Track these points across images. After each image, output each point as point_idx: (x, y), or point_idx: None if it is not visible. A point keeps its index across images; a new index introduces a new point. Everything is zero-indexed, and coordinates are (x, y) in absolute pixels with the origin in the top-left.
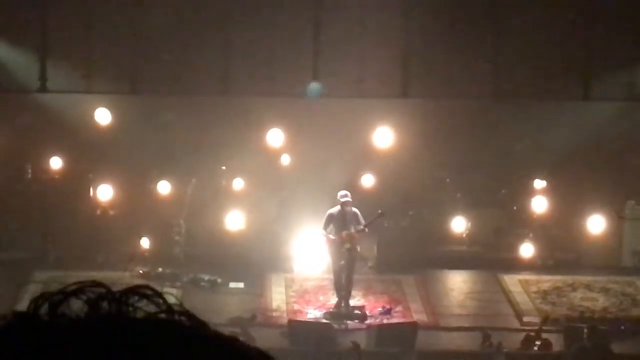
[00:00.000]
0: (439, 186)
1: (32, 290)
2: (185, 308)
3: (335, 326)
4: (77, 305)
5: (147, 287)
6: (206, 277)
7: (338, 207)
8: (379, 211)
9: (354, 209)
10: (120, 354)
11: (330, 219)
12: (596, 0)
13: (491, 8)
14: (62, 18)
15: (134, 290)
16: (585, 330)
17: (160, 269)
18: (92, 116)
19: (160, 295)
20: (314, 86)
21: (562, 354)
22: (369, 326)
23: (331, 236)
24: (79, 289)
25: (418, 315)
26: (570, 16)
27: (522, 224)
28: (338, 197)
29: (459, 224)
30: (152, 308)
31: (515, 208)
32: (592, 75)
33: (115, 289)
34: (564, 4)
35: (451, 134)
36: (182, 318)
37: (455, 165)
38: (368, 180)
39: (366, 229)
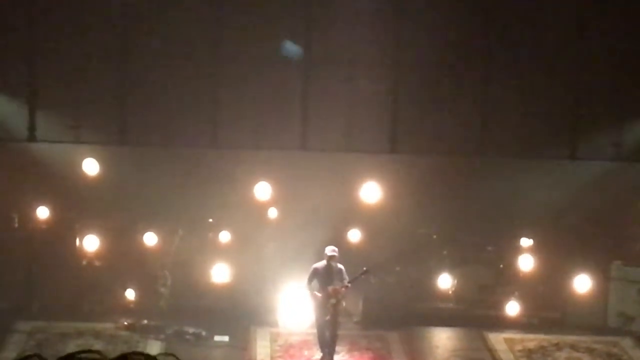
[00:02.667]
0: (426, 242)
1: (16, 340)
2: None
3: None
4: None
5: (140, 354)
6: (191, 330)
7: (324, 262)
8: (364, 268)
9: (340, 265)
10: None
11: (315, 273)
12: (584, 60)
13: (480, 65)
14: (51, 68)
15: (127, 358)
16: None
17: (144, 321)
18: (80, 166)
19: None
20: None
21: None
22: None
23: (316, 292)
24: (72, 356)
25: None
26: (558, 75)
27: (508, 281)
28: (325, 251)
29: (445, 281)
30: None
31: (501, 266)
32: (579, 134)
33: (100, 340)
34: (552, 64)
35: (438, 190)
36: None
37: (442, 221)
38: (355, 235)
39: (349, 285)
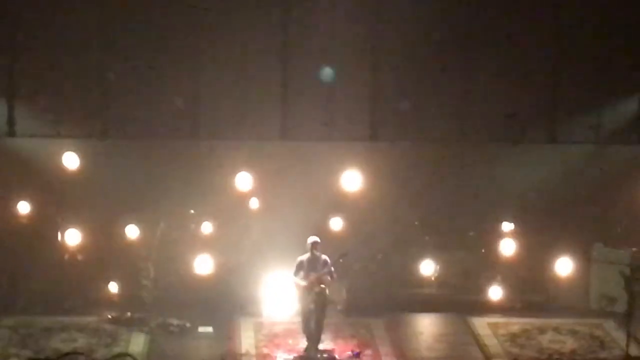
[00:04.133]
0: (408, 229)
1: (0, 335)
2: None
3: None
4: None
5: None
6: (175, 322)
7: (308, 254)
8: (344, 252)
9: (324, 256)
10: None
11: (301, 265)
12: (563, 44)
13: (460, 50)
14: (31, 62)
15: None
16: None
17: (128, 314)
18: (60, 160)
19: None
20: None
21: None
22: None
23: (301, 281)
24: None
25: (387, 358)
26: (537, 59)
27: (491, 266)
28: (308, 241)
29: (427, 267)
30: None
31: (483, 250)
32: (558, 118)
33: (84, 334)
34: (531, 48)
35: (419, 176)
36: None
37: (423, 208)
38: (337, 224)
39: (334, 275)
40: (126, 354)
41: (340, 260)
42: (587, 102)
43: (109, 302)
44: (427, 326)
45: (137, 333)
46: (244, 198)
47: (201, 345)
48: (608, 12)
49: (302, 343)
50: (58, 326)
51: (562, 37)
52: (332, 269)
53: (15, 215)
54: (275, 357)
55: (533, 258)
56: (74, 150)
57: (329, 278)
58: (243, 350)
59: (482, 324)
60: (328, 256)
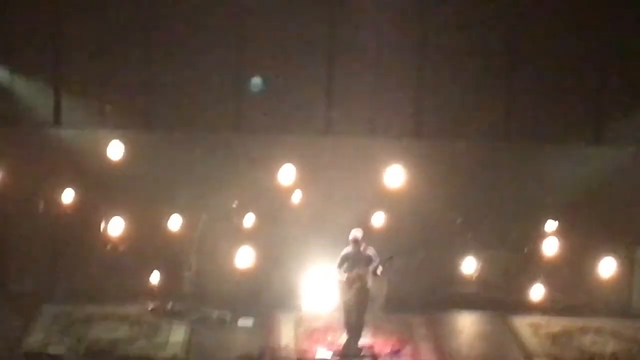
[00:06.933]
0: (450, 227)
1: (41, 324)
2: None
3: None
4: None
5: None
6: (215, 314)
7: (352, 246)
8: (390, 256)
9: (370, 250)
10: None
11: (345, 258)
12: (610, 45)
13: (506, 50)
14: (77, 52)
15: None
16: None
17: (169, 305)
18: (105, 150)
19: None
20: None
21: None
22: None
23: (342, 276)
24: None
25: (427, 356)
26: (585, 60)
27: (533, 265)
28: (350, 236)
29: (469, 265)
30: None
31: (526, 250)
32: (604, 118)
33: (125, 324)
34: (578, 48)
35: (463, 174)
36: None
37: (466, 206)
38: (379, 219)
39: (379, 271)
40: None
41: (387, 265)
42: (634, 103)
43: (150, 292)
44: (467, 325)
45: (177, 324)
46: (287, 191)
47: (241, 338)
48: None
49: (342, 338)
50: (99, 315)
51: (608, 35)
52: (377, 264)
53: (59, 205)
54: (315, 352)
55: (576, 258)
56: (118, 140)
57: (370, 274)
58: (282, 344)
59: (522, 324)
60: (374, 253)
